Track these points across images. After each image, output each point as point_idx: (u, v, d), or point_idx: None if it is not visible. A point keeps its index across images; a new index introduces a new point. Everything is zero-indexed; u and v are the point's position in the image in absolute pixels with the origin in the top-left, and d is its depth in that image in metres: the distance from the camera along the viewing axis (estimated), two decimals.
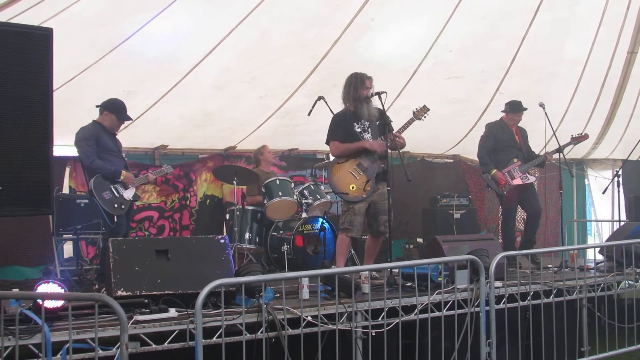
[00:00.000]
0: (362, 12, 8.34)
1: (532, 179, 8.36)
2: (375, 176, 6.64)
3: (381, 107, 6.58)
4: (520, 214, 9.32)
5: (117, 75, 7.86)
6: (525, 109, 8.39)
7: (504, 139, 8.39)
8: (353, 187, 6.59)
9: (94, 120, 6.87)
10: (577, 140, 8.41)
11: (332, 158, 7.09)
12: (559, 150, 8.05)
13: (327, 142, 6.83)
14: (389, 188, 6.51)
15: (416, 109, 6.81)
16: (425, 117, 6.81)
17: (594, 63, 10.13)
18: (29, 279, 7.77)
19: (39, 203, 4.27)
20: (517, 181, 8.17)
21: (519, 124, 8.51)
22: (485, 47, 9.45)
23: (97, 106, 6.88)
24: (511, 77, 9.98)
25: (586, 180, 13.16)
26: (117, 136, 7.09)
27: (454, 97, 10.19)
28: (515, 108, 8.41)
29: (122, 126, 7.22)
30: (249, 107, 9.27)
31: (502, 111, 8.57)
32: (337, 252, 6.74)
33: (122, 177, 6.75)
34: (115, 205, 6.67)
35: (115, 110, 6.84)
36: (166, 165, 7.94)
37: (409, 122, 6.73)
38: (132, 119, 7.18)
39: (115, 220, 6.72)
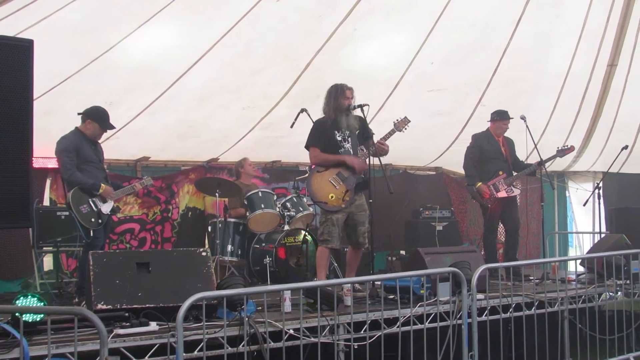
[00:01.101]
0: (345, 22, 8.37)
1: (516, 191, 8.36)
2: (354, 187, 6.64)
3: (363, 119, 6.59)
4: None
5: (100, 85, 7.81)
6: (512, 117, 8.40)
7: (490, 150, 8.38)
8: (332, 197, 6.57)
9: (76, 128, 6.76)
10: (562, 152, 8.41)
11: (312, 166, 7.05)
12: (541, 163, 8.08)
13: (307, 147, 6.79)
14: (370, 200, 6.51)
15: (397, 120, 6.82)
16: (406, 128, 6.82)
17: (574, 76, 10.21)
18: (7, 292, 7.69)
19: (18, 216, 4.23)
20: (502, 194, 8.17)
21: (506, 135, 8.51)
22: (467, 59, 9.50)
23: (79, 114, 6.80)
24: (493, 90, 10.03)
25: (567, 192, 13.24)
26: (100, 144, 7.03)
27: (437, 110, 10.23)
28: (502, 116, 8.40)
29: (104, 137, 7.15)
30: (232, 118, 9.25)
31: (489, 120, 8.56)
32: (318, 264, 6.71)
33: (100, 190, 6.67)
34: (92, 220, 6.57)
35: (98, 118, 6.74)
36: (146, 177, 7.87)
37: (390, 133, 6.75)
38: (115, 128, 7.10)
39: (92, 234, 6.65)
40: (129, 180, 8.69)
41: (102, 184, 6.68)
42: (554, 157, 8.38)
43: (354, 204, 6.64)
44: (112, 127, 6.95)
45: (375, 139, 6.58)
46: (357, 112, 6.64)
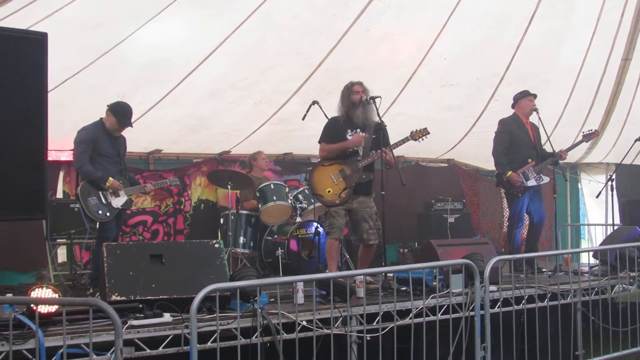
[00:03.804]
0: (358, 22, 8.37)
1: (546, 179, 7.98)
2: (356, 186, 6.64)
3: (375, 112, 6.58)
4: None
5: (112, 78, 7.84)
6: (535, 94, 8.12)
7: (519, 135, 8.03)
8: (329, 191, 6.63)
9: (100, 119, 6.78)
10: (588, 137, 8.29)
11: None
12: (571, 148, 8.02)
13: (319, 143, 6.86)
14: (383, 192, 6.48)
15: (415, 130, 6.82)
16: (423, 139, 6.81)
17: (588, 70, 10.17)
18: (22, 284, 7.74)
19: (33, 208, 4.26)
20: (532, 182, 7.88)
21: (532, 120, 8.15)
22: (480, 54, 9.46)
23: (107, 105, 6.83)
24: (506, 85, 9.97)
25: (580, 184, 13.19)
26: (123, 137, 6.99)
27: (449, 104, 10.21)
28: (525, 92, 8.13)
29: None
30: (243, 113, 9.26)
31: (513, 105, 8.26)
32: (328, 257, 6.72)
33: (108, 183, 6.65)
34: (99, 212, 6.57)
35: (117, 112, 6.72)
36: (171, 178, 7.89)
37: (403, 141, 6.75)
38: (131, 126, 6.96)
39: (97, 226, 6.66)
40: (142, 173, 8.74)
41: (110, 178, 6.66)
42: (580, 142, 8.30)
43: (356, 201, 6.67)
44: (129, 124, 6.87)
45: (389, 131, 6.57)
46: (375, 111, 6.59)
